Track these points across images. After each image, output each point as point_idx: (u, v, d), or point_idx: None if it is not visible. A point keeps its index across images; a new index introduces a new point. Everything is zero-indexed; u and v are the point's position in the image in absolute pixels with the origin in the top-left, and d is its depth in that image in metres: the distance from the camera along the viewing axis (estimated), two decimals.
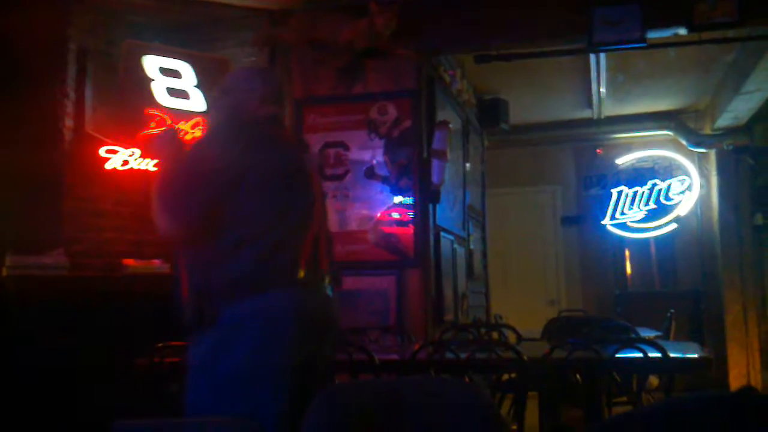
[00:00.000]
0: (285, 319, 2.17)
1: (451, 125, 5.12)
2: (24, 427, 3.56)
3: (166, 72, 4.73)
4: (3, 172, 4.17)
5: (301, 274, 2.24)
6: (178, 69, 4.77)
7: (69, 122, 4.46)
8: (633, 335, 4.23)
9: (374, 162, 4.89)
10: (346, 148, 4.95)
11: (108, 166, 4.43)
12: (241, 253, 2.17)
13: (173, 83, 4.74)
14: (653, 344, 3.19)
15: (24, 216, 4.11)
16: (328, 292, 2.38)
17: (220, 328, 2.13)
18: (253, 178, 2.21)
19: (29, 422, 3.58)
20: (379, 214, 4.84)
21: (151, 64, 4.68)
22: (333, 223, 4.84)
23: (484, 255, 6.94)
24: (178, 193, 2.18)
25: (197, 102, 4.76)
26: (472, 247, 6.26)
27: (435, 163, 4.86)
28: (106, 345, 3.61)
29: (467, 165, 6.25)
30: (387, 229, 4.81)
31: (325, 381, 2.41)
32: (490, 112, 6.83)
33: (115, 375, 3.39)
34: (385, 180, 4.87)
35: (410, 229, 4.79)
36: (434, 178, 4.85)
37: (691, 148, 7.73)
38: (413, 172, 4.84)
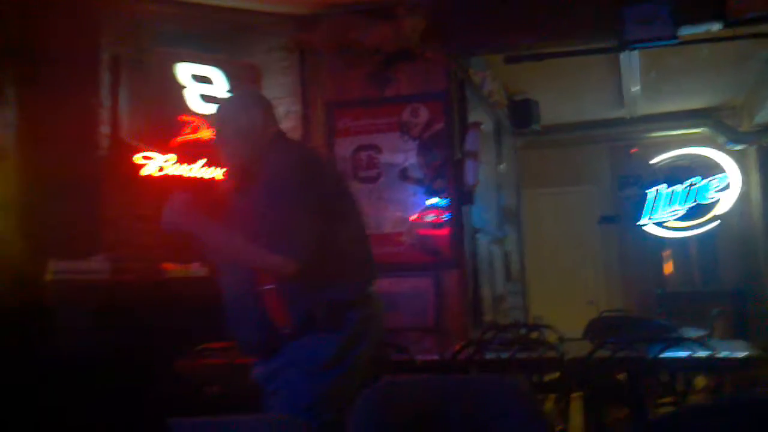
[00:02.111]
0: (381, 324, 2.47)
1: (483, 126, 5.08)
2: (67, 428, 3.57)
3: (198, 78, 4.76)
4: (44, 180, 4.21)
5: None
6: (209, 75, 4.80)
7: (105, 130, 4.49)
8: (676, 335, 4.14)
9: (407, 164, 4.87)
10: (379, 150, 4.93)
11: (144, 172, 4.46)
12: (353, 265, 2.40)
13: (205, 89, 4.77)
14: (700, 343, 3.12)
15: (65, 222, 4.15)
16: None
17: (347, 331, 2.32)
18: (336, 195, 2.42)
19: (72, 425, 3.59)
20: (413, 217, 4.81)
21: (184, 71, 4.72)
22: (367, 226, 4.82)
23: (521, 256, 6.87)
24: (285, 232, 2.25)
25: None
26: (508, 248, 6.20)
27: (468, 164, 4.83)
28: (147, 348, 3.62)
29: (500, 166, 6.20)
30: (422, 231, 4.78)
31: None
32: (521, 112, 6.78)
33: (156, 377, 3.39)
34: (418, 182, 4.84)
35: (446, 231, 4.76)
36: (468, 179, 4.81)
37: (729, 146, 7.59)
38: (447, 174, 4.81)
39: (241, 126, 2.46)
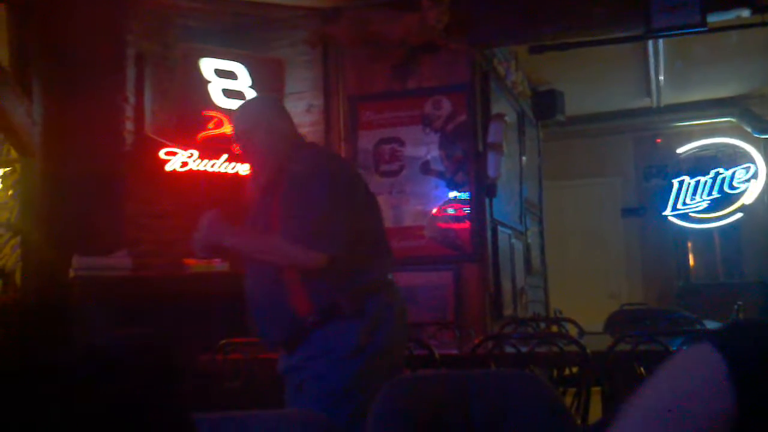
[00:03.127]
0: (404, 308, 2.54)
1: (506, 118, 5.06)
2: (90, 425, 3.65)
3: (222, 73, 4.79)
4: (68, 176, 4.28)
5: None
6: (233, 70, 4.83)
7: (129, 126, 4.55)
8: (699, 327, 4.11)
9: (429, 157, 4.87)
10: (401, 143, 4.93)
11: (168, 167, 4.50)
12: (376, 256, 2.49)
13: (229, 84, 4.80)
14: None
15: (88, 218, 4.21)
16: None
17: (369, 317, 2.39)
18: (360, 192, 2.50)
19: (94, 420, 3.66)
20: (434, 210, 4.81)
21: (207, 66, 4.75)
22: (388, 220, 4.84)
23: (542, 249, 6.84)
24: (316, 228, 2.34)
25: None
26: (529, 241, 6.18)
27: (491, 157, 4.81)
28: (169, 343, 3.68)
29: (523, 158, 6.17)
30: (443, 225, 4.78)
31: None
32: (545, 103, 6.73)
33: (178, 372, 3.44)
34: (440, 175, 4.84)
35: (467, 224, 4.75)
36: (490, 172, 4.80)
37: (756, 135, 7.48)
38: (469, 167, 4.80)
39: (271, 132, 2.55)
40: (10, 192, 4.49)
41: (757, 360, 0.91)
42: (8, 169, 4.54)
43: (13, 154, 4.46)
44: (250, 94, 4.80)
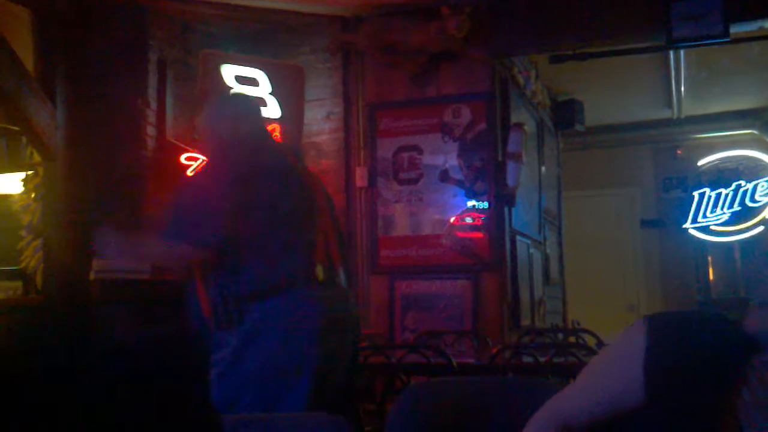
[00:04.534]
0: (307, 315, 2.31)
1: (525, 127, 5.05)
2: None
3: (242, 80, 4.81)
4: (90, 180, 4.31)
5: (320, 273, 2.40)
6: (254, 77, 4.85)
7: (151, 130, 4.59)
8: None
9: (448, 165, 4.86)
10: (420, 151, 4.93)
11: (188, 172, 4.53)
12: (259, 258, 2.32)
13: (249, 91, 4.81)
14: None
15: (109, 221, 4.24)
16: (343, 284, 2.51)
17: (246, 327, 2.27)
18: (257, 194, 2.36)
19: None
20: (453, 219, 4.80)
21: (228, 72, 4.78)
22: (406, 228, 4.85)
23: (561, 259, 6.81)
24: (198, 220, 2.30)
25: (273, 109, 4.84)
26: (548, 251, 6.15)
27: (510, 166, 4.80)
28: (183, 344, 3.68)
29: (542, 168, 6.16)
30: (462, 234, 4.77)
31: (348, 377, 2.48)
32: (565, 113, 6.72)
33: (197, 375, 3.45)
34: (459, 183, 4.83)
35: (485, 233, 4.74)
36: (509, 181, 4.79)
37: None
38: (488, 176, 4.79)
39: (218, 129, 2.58)
40: (32, 195, 4.53)
41: (669, 332, 1.16)
42: (31, 172, 4.58)
43: (36, 157, 4.49)
44: (271, 101, 4.83)
